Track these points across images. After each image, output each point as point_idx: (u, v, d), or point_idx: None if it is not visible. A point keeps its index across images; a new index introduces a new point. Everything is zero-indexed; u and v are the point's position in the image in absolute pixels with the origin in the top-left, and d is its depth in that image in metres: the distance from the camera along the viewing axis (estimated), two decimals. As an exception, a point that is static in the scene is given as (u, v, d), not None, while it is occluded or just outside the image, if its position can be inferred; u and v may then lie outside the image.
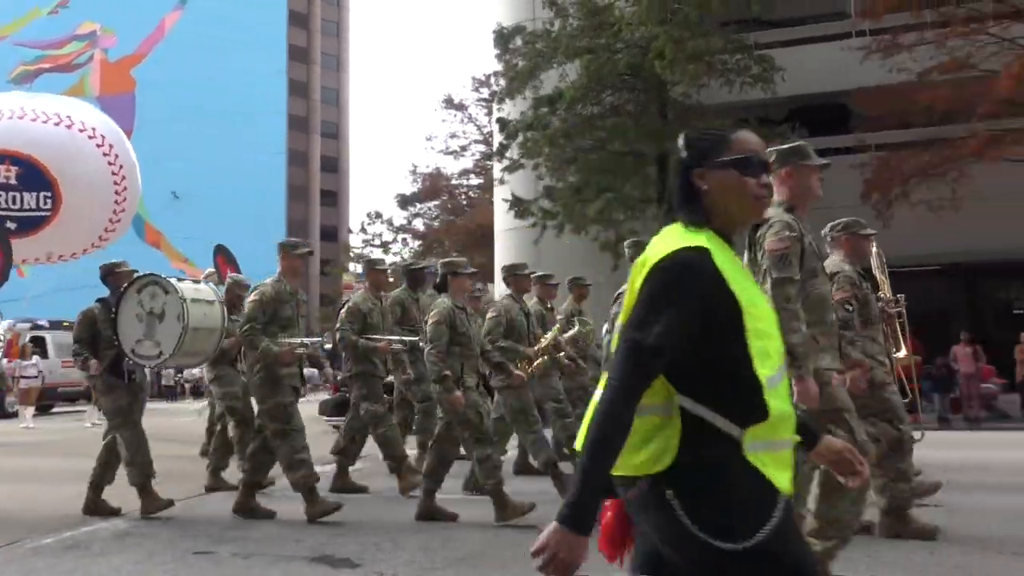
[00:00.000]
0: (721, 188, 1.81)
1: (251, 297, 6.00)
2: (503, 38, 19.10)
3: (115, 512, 6.21)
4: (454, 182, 39.33)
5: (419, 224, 39.81)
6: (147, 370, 6.49)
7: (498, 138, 19.56)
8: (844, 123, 18.61)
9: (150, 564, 4.72)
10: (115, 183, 11.01)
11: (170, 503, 6.14)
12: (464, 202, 38.48)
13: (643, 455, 1.70)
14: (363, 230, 39.99)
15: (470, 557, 4.76)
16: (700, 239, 1.76)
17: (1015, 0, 15.44)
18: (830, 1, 19.63)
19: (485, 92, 32.57)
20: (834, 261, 4.91)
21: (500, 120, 19.31)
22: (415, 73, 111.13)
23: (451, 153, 38.31)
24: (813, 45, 18.89)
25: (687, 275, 1.70)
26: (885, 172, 15.53)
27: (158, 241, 46.70)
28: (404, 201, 39.50)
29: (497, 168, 20.26)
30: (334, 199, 63.27)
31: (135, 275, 6.28)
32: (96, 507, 6.24)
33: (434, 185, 38.97)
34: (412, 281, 7.94)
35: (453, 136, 37.98)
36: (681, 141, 1.87)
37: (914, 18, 15.64)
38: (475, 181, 38.21)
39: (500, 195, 20.84)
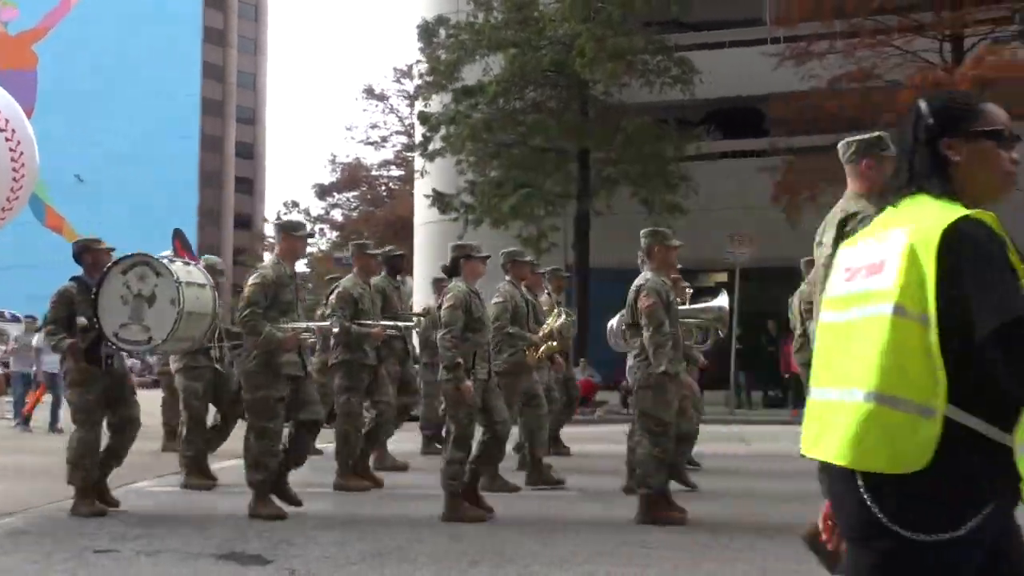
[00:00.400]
0: (975, 160, 1.69)
1: (251, 280, 5.76)
2: (427, 32, 18.95)
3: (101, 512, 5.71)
4: (374, 173, 38.91)
5: (337, 215, 39.28)
6: (124, 356, 6.00)
7: (420, 130, 19.42)
8: (758, 127, 19.19)
9: (47, 564, 4.49)
10: (12, 159, 10.42)
11: (103, 512, 5.71)
12: (384, 193, 38.10)
13: (880, 450, 1.52)
14: (279, 219, 39.19)
15: (385, 552, 4.71)
16: (964, 210, 1.60)
17: (918, 16, 16.26)
18: (747, 7, 20.19)
19: (407, 83, 32.28)
20: None
21: (421, 114, 19.17)
22: (335, 60, 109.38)
23: (372, 144, 37.91)
24: (730, 49, 19.42)
25: (992, 241, 1.55)
26: (794, 176, 16.11)
27: (60, 226, 44.55)
28: (322, 191, 38.88)
29: (418, 162, 20.11)
30: (249, 187, 61.66)
31: (126, 255, 5.76)
32: (101, 495, 5.85)
33: (353, 175, 38.45)
34: (392, 268, 7.79)
35: (374, 127, 37.58)
36: (924, 107, 1.74)
37: (825, 27, 16.27)
38: (396, 172, 37.89)
39: (421, 189, 20.69)
